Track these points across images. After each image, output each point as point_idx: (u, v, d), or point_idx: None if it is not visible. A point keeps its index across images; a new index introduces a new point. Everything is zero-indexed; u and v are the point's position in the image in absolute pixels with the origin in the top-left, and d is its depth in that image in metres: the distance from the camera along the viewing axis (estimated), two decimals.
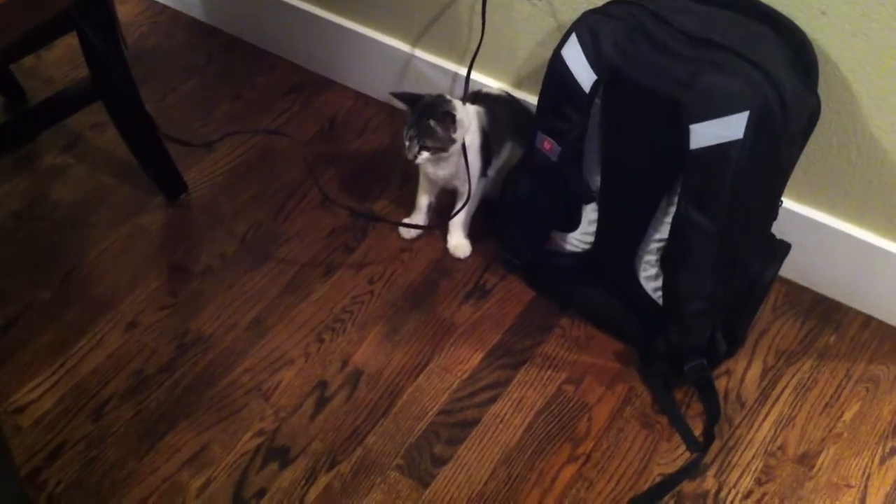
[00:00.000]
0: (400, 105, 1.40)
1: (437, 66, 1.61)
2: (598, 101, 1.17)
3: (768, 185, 1.18)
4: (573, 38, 1.15)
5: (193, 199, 1.58)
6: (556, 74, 1.18)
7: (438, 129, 1.32)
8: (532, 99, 1.49)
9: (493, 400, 1.31)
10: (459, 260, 1.49)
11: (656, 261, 1.27)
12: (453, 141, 1.34)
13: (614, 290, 1.34)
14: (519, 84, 1.54)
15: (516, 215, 1.38)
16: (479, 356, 1.36)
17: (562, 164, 1.24)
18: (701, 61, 1.07)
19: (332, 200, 1.52)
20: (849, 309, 1.41)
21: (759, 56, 1.07)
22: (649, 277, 1.29)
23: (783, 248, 1.29)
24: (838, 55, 1.18)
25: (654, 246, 1.26)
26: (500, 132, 1.43)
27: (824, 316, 1.40)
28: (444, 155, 1.35)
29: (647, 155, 1.19)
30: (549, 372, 1.34)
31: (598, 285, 1.35)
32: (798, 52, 1.15)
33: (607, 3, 1.18)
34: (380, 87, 1.73)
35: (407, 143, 1.34)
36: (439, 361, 1.36)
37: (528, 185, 1.32)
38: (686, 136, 1.09)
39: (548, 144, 1.24)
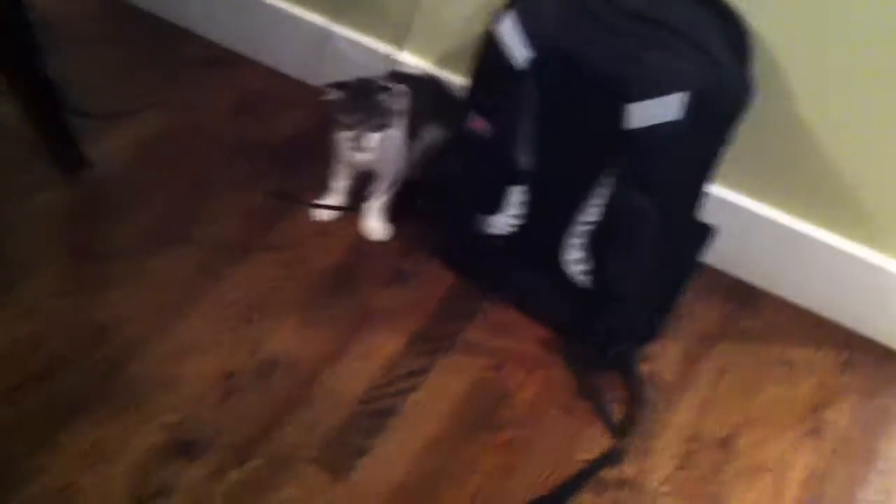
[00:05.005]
0: (329, 93, 1.31)
1: (357, 42, 1.56)
2: (533, 79, 1.15)
3: (703, 166, 1.18)
4: (509, 15, 1.12)
5: (100, 177, 1.50)
6: (489, 52, 1.16)
7: (387, 103, 1.28)
8: (458, 78, 1.46)
9: (414, 388, 1.28)
10: (379, 243, 1.45)
11: (581, 244, 1.25)
12: (395, 113, 1.30)
13: (540, 274, 1.32)
14: (445, 62, 1.50)
15: (442, 196, 1.35)
16: (399, 343, 1.33)
17: (494, 144, 1.22)
18: (641, 39, 1.06)
19: (261, 172, 1.45)
20: (765, 293, 1.43)
21: (699, 37, 1.08)
22: (574, 260, 1.27)
23: (709, 230, 1.29)
24: (773, 40, 1.18)
25: (581, 228, 1.24)
26: (420, 113, 1.39)
27: (742, 300, 1.42)
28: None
29: (583, 135, 1.17)
30: (470, 358, 1.32)
31: (524, 268, 1.33)
32: (734, 35, 1.15)
33: None
34: (296, 64, 1.68)
35: (353, 133, 1.29)
36: (358, 348, 1.32)
37: (456, 166, 1.29)
38: (624, 115, 1.08)
39: (480, 123, 1.21)
